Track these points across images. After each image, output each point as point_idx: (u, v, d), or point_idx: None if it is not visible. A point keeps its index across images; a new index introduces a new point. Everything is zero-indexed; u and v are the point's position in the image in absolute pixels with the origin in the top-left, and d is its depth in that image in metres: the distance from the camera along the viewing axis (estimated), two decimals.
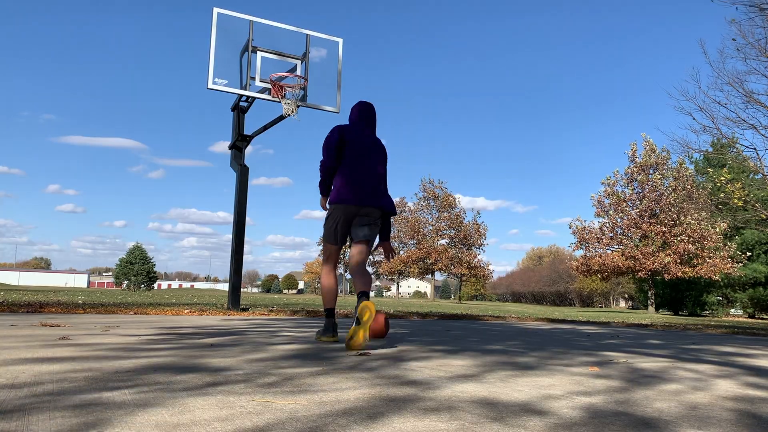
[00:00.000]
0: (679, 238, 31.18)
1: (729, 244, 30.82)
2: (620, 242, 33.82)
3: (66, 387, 1.92)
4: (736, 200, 14.76)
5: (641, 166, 33.56)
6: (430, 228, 55.08)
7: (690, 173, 31.96)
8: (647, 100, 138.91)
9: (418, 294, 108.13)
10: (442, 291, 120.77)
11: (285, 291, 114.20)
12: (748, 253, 31.32)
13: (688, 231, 31.00)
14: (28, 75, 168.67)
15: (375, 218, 3.97)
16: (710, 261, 30.36)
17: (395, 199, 56.78)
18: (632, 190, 34.18)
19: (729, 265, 29.91)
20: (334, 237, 3.99)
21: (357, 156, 3.97)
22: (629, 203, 34.01)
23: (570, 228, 35.73)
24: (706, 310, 34.91)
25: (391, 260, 4.60)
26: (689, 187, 30.20)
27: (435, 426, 1.57)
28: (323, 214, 4.16)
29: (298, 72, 8.26)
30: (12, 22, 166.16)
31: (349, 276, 78.28)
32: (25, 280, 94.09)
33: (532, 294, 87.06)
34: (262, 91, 8.08)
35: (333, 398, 1.89)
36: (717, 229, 30.19)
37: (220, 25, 7.79)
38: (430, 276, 58.33)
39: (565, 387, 2.34)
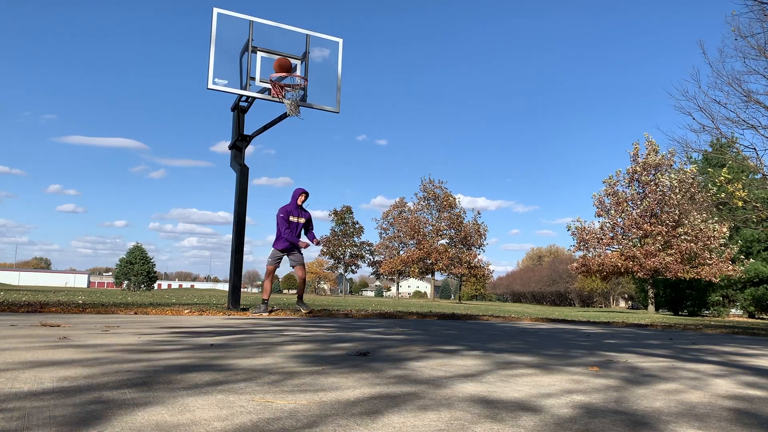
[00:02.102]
0: (681, 238, 31.11)
1: (731, 246, 30.75)
2: (620, 242, 33.77)
3: (66, 387, 1.93)
4: (736, 200, 14.73)
5: (643, 165, 33.49)
6: (430, 228, 55.06)
7: (692, 173, 31.86)
8: (648, 101, 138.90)
9: (418, 294, 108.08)
10: (442, 291, 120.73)
11: (285, 291, 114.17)
12: (748, 254, 31.30)
13: (689, 231, 30.95)
14: (29, 75, 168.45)
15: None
16: (711, 263, 30.31)
17: (395, 199, 62.81)
18: (633, 190, 34.09)
19: (730, 268, 29.87)
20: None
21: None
22: (630, 203, 33.94)
23: (569, 229, 35.59)
24: (707, 310, 34.89)
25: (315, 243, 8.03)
26: (692, 188, 30.12)
27: (434, 425, 1.58)
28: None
29: (298, 72, 8.26)
30: (12, 22, 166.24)
31: (349, 276, 78.65)
32: (25, 280, 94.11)
33: (532, 294, 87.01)
34: (262, 91, 8.08)
35: (333, 398, 1.90)
36: (721, 235, 30.10)
37: (220, 25, 7.79)
38: (430, 276, 58.32)
39: (564, 386, 2.35)
